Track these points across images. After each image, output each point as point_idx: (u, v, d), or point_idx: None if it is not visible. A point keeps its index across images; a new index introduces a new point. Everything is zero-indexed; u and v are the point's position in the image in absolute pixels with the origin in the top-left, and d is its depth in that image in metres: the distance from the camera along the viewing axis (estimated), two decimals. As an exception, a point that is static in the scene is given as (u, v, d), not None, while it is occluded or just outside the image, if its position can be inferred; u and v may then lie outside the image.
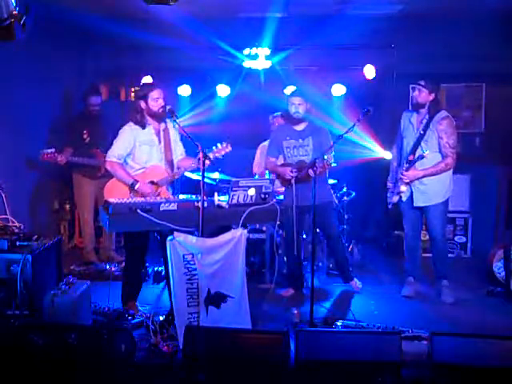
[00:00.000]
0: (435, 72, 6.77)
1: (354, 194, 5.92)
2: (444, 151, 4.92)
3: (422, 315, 4.79)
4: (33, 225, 6.00)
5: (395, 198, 5.15)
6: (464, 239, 6.83)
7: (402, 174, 4.95)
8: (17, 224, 4.19)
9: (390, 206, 5.27)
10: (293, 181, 4.91)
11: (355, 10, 6.36)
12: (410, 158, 4.95)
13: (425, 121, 4.98)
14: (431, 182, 4.97)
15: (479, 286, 5.55)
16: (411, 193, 5.05)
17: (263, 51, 6.87)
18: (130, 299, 4.63)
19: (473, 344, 3.29)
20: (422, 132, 4.96)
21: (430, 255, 5.42)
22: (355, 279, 5.42)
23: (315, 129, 5.13)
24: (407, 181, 4.94)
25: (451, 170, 5.04)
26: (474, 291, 5.42)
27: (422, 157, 4.77)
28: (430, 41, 6.70)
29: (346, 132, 4.54)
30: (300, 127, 5.14)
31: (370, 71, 6.82)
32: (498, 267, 5.45)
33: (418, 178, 4.94)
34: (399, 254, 6.77)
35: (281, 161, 5.25)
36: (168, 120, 4.58)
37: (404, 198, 5.10)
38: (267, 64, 6.96)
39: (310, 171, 4.59)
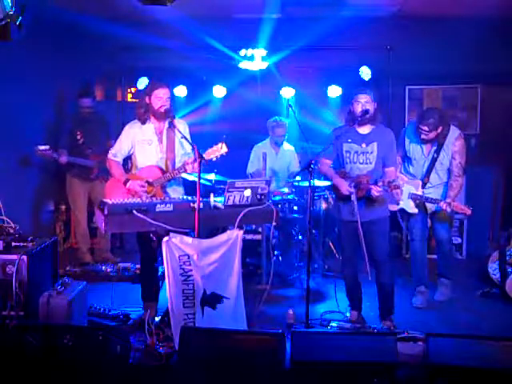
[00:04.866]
0: (430, 73, 6.81)
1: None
2: (456, 171, 4.94)
3: (418, 316, 4.81)
4: (28, 225, 5.98)
5: (396, 208, 5.07)
6: (459, 240, 6.85)
7: (444, 208, 4.82)
8: (12, 225, 4.17)
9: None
10: (353, 197, 4.35)
11: (351, 11, 6.37)
12: (425, 180, 5.02)
13: (436, 143, 4.98)
14: (438, 193, 5.03)
15: (474, 286, 5.58)
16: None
17: (259, 52, 6.88)
18: (147, 300, 4.60)
19: (468, 345, 3.30)
20: (435, 155, 4.98)
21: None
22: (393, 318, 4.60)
23: (382, 133, 4.48)
24: (454, 209, 4.80)
25: None
26: (469, 292, 5.44)
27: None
28: (426, 42, 6.72)
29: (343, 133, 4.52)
30: (364, 130, 4.46)
31: (365, 72, 6.84)
32: (493, 268, 5.47)
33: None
34: (395, 255, 6.81)
35: (328, 163, 4.64)
36: (176, 119, 4.55)
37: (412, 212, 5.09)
38: (263, 65, 6.97)
39: (374, 192, 4.24)
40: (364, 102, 4.37)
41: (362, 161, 4.45)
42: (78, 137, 6.09)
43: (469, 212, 4.78)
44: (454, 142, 4.94)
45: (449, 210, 4.81)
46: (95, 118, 6.25)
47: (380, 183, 4.27)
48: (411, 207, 5.03)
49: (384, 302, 4.61)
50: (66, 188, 6.30)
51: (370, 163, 4.43)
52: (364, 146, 4.43)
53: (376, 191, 4.24)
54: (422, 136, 4.91)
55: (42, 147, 5.71)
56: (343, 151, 4.51)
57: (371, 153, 4.42)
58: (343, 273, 4.79)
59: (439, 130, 4.88)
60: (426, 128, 4.84)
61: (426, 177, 5.04)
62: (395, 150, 4.55)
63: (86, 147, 6.08)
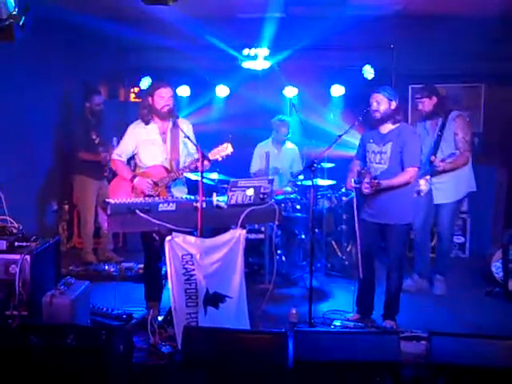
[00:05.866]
0: (434, 72, 6.79)
1: (352, 194, 5.92)
2: (461, 146, 5.03)
3: (421, 315, 4.80)
4: (31, 225, 5.99)
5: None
6: (462, 239, 6.84)
7: (436, 165, 4.92)
8: (15, 224, 4.18)
9: None
10: (354, 193, 4.44)
11: (354, 10, 6.36)
12: (432, 158, 5.05)
13: (440, 122, 5.13)
14: (449, 179, 5.08)
15: (477, 286, 5.57)
16: (430, 189, 5.14)
17: (262, 52, 6.87)
18: (151, 299, 4.61)
19: (471, 344, 3.29)
20: (439, 133, 5.10)
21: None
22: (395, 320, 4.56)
23: (399, 133, 4.37)
24: (441, 169, 4.94)
25: (469, 168, 5.19)
26: (472, 291, 5.43)
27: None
28: (429, 41, 6.71)
29: (345, 133, 4.52)
30: (385, 130, 4.42)
31: (368, 72, 6.83)
32: (496, 267, 5.47)
33: (445, 171, 4.97)
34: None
35: (358, 163, 4.67)
36: (180, 119, 4.56)
37: (422, 194, 5.10)
38: (266, 64, 6.97)
39: (363, 188, 4.27)
40: (375, 102, 4.35)
41: (377, 161, 4.45)
42: (94, 136, 6.08)
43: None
44: (455, 118, 5.10)
45: (442, 165, 4.88)
46: (105, 116, 6.26)
47: (367, 179, 4.25)
48: (422, 185, 5.05)
49: (389, 303, 4.57)
50: (72, 188, 6.33)
51: (384, 163, 4.40)
52: (381, 145, 4.43)
53: (364, 187, 4.27)
54: (419, 107, 5.12)
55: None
56: (365, 151, 4.57)
57: (385, 153, 4.39)
58: (358, 274, 4.59)
59: (434, 101, 5.06)
60: (418, 95, 5.09)
61: (432, 154, 5.09)
62: (415, 149, 4.36)
63: (101, 146, 6.09)
